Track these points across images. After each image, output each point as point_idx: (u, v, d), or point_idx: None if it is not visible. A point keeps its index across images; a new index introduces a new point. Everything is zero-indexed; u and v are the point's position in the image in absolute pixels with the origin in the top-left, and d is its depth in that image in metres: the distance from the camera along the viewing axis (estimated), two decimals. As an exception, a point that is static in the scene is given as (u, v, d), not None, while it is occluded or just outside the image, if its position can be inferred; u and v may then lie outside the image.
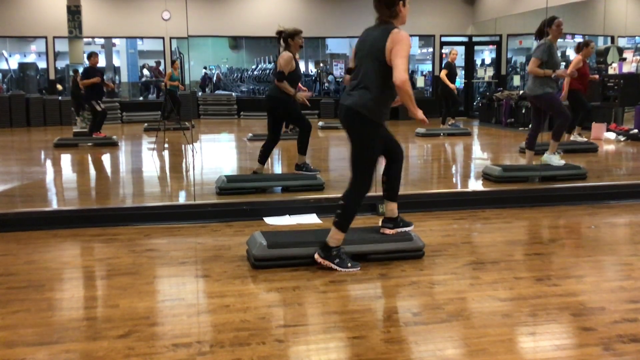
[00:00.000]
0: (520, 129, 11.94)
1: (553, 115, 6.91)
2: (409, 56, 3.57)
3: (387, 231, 4.09)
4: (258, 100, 17.36)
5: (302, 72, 6.50)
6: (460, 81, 16.96)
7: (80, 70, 11.09)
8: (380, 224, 4.17)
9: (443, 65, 12.41)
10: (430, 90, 17.53)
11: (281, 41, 6.35)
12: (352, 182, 3.77)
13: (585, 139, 9.39)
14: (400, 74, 3.46)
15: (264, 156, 6.41)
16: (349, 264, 3.72)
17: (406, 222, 4.17)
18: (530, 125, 7.12)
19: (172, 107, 13.25)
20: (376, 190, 5.84)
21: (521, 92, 13.79)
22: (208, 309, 3.15)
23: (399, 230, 4.10)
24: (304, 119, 6.52)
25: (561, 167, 6.80)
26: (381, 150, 3.86)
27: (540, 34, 6.62)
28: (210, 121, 16.09)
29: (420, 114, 3.62)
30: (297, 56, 6.37)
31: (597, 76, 9.41)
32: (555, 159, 6.72)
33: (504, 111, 13.63)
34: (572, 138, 9.30)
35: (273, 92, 6.38)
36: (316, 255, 3.73)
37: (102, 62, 19.35)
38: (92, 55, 10.59)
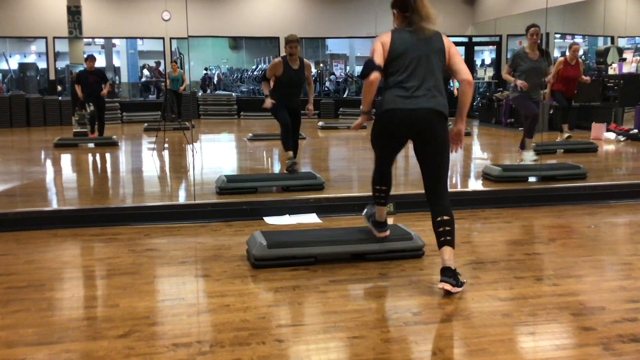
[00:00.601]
0: (520, 129, 11.91)
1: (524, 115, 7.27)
2: (372, 53, 3.45)
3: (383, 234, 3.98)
4: (258, 100, 17.34)
5: (298, 79, 6.45)
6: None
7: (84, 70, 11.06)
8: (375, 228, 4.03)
9: None
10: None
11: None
12: (445, 190, 3.51)
13: (569, 134, 9.38)
14: (469, 75, 3.59)
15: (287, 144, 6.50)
16: (463, 280, 3.36)
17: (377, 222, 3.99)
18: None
19: (172, 107, 13.24)
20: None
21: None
22: (208, 309, 3.15)
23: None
24: (280, 117, 6.52)
25: (561, 167, 6.81)
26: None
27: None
28: (211, 121, 16.09)
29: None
30: (295, 64, 6.37)
31: (588, 78, 9.35)
32: (527, 156, 7.01)
33: (503, 111, 13.64)
34: (567, 135, 9.35)
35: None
36: (449, 287, 3.23)
37: (102, 63, 19.39)
38: (89, 59, 10.60)
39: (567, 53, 9.29)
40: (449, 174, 6.06)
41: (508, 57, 17.39)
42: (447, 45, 3.53)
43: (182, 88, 13.65)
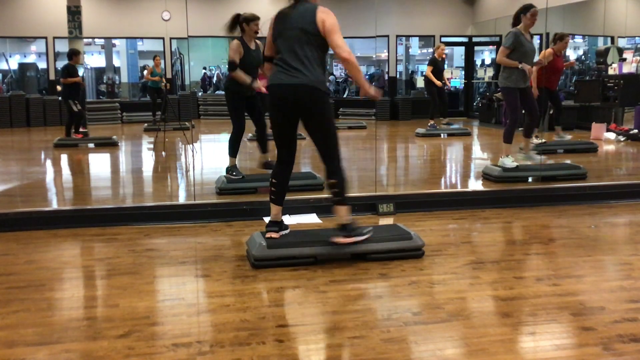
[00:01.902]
0: (520, 129, 11.92)
1: (506, 111, 6.80)
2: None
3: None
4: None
5: (257, 61, 5.81)
6: (460, 81, 16.97)
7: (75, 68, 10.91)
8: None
9: (429, 61, 11.87)
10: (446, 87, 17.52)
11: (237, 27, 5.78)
12: (333, 155, 3.82)
13: (544, 141, 8.94)
14: (343, 49, 3.71)
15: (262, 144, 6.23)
16: (364, 230, 3.90)
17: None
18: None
19: (154, 104, 13.25)
20: (376, 190, 5.88)
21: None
22: (208, 309, 3.15)
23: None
24: (238, 120, 6.08)
25: (561, 167, 6.80)
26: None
27: (515, 21, 6.33)
28: (210, 121, 16.09)
29: (372, 89, 3.79)
30: (253, 43, 5.86)
31: (573, 62, 9.02)
32: (507, 162, 6.45)
33: (503, 111, 13.61)
34: (556, 137, 9.12)
35: (225, 83, 6.28)
36: (340, 239, 3.81)
37: (102, 63, 19.39)
38: (75, 54, 10.36)
39: (550, 45, 8.80)
40: (448, 173, 6.01)
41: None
42: (320, 20, 3.67)
43: (165, 84, 13.54)
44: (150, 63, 14.01)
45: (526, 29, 6.27)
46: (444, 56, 11.88)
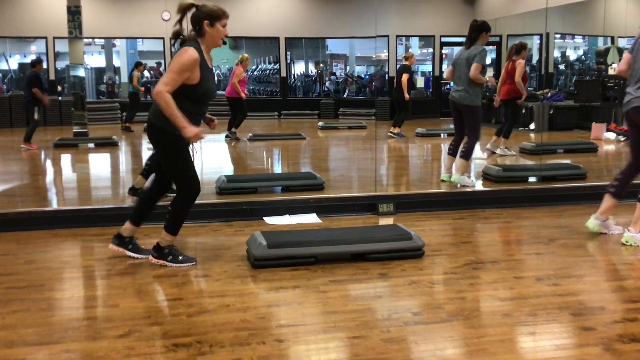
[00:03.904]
0: (520, 129, 11.93)
1: (467, 130, 6.21)
2: (179, 72, 3.60)
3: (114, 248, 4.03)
4: (258, 100, 17.37)
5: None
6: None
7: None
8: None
9: (401, 68, 11.53)
10: (430, 90, 17.53)
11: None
12: (177, 188, 3.88)
13: (513, 153, 8.69)
14: (157, 85, 3.57)
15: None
16: (180, 258, 3.85)
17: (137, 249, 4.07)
18: (461, 135, 6.38)
19: (132, 111, 13.35)
20: (376, 190, 5.88)
21: (525, 94, 13.78)
22: (208, 309, 3.15)
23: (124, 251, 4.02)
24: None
25: (561, 167, 6.80)
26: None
27: (473, 37, 6.15)
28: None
29: (189, 132, 3.57)
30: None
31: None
32: (466, 180, 6.16)
33: (503, 112, 13.62)
34: (501, 149, 8.67)
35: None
36: (149, 257, 3.88)
37: (102, 63, 19.40)
38: (38, 62, 10.24)
39: (508, 53, 8.76)
40: (454, 170, 6.00)
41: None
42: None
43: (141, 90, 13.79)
44: (150, 63, 14.03)
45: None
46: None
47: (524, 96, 8.60)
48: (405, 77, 11.12)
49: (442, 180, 6.40)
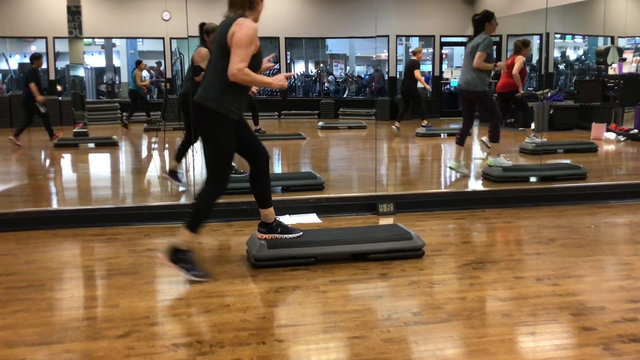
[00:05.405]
0: (520, 129, 11.93)
1: (486, 113, 6.74)
2: (248, 45, 3.41)
3: (261, 235, 3.89)
4: (257, 100, 17.32)
5: None
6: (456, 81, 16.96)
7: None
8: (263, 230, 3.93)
9: (411, 63, 11.78)
10: (431, 90, 17.52)
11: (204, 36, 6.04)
12: (208, 176, 3.64)
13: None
14: (233, 66, 3.38)
15: (180, 154, 6.21)
16: (194, 273, 3.56)
17: (285, 227, 3.94)
18: (491, 123, 6.71)
19: (135, 109, 13.40)
20: (376, 190, 5.87)
21: (522, 91, 13.76)
22: (208, 309, 3.15)
23: (276, 235, 3.88)
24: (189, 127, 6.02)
25: (561, 167, 6.81)
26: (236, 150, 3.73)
27: (476, 30, 6.54)
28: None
29: (274, 80, 3.59)
30: None
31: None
32: (503, 160, 6.60)
33: (501, 106, 13.61)
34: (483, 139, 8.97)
35: (186, 89, 6.01)
36: (160, 255, 3.61)
37: (102, 63, 19.39)
38: (37, 58, 10.30)
39: (511, 50, 8.99)
40: (448, 173, 6.01)
41: (508, 56, 17.44)
42: (231, 32, 3.44)
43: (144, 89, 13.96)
44: (150, 63, 14.03)
45: (489, 34, 6.47)
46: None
47: (521, 91, 8.71)
48: (417, 72, 11.51)
49: (450, 167, 6.72)
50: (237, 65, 3.38)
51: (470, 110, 6.63)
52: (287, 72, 17.45)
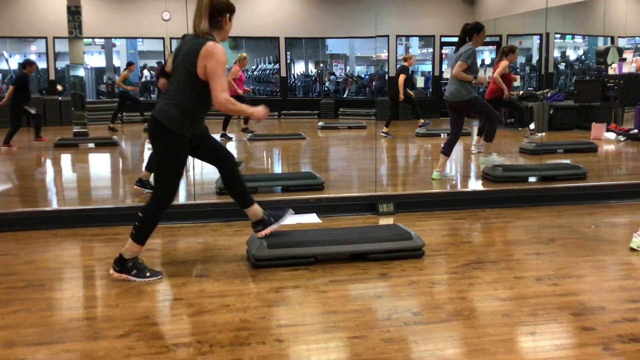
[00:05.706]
0: (520, 129, 11.94)
1: (484, 117, 7.00)
2: (223, 71, 3.50)
3: (260, 233, 3.92)
4: (257, 100, 17.34)
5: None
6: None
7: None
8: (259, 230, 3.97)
9: (399, 69, 11.77)
10: (430, 90, 17.53)
11: None
12: (155, 189, 3.73)
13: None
14: (218, 95, 3.44)
15: None
16: (148, 274, 3.59)
17: (277, 214, 4.00)
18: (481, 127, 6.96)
19: (121, 109, 13.42)
20: (376, 190, 5.88)
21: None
22: (208, 309, 3.15)
23: (274, 226, 3.94)
24: None
25: (561, 167, 6.81)
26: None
27: (463, 39, 6.39)
28: (211, 121, 16.05)
29: (255, 111, 3.70)
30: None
31: (516, 76, 9.40)
32: (495, 158, 6.96)
33: (503, 112, 13.62)
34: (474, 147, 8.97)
35: None
36: (111, 271, 3.60)
37: (102, 63, 19.40)
38: (29, 64, 10.29)
39: (496, 56, 9.01)
40: (454, 170, 6.00)
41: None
42: (201, 64, 3.44)
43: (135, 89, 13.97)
44: (150, 63, 14.03)
45: (477, 46, 6.43)
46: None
47: (507, 92, 8.66)
48: (402, 78, 11.34)
49: (433, 179, 6.53)
50: (222, 95, 3.46)
51: (458, 121, 6.49)
52: (287, 72, 17.46)
